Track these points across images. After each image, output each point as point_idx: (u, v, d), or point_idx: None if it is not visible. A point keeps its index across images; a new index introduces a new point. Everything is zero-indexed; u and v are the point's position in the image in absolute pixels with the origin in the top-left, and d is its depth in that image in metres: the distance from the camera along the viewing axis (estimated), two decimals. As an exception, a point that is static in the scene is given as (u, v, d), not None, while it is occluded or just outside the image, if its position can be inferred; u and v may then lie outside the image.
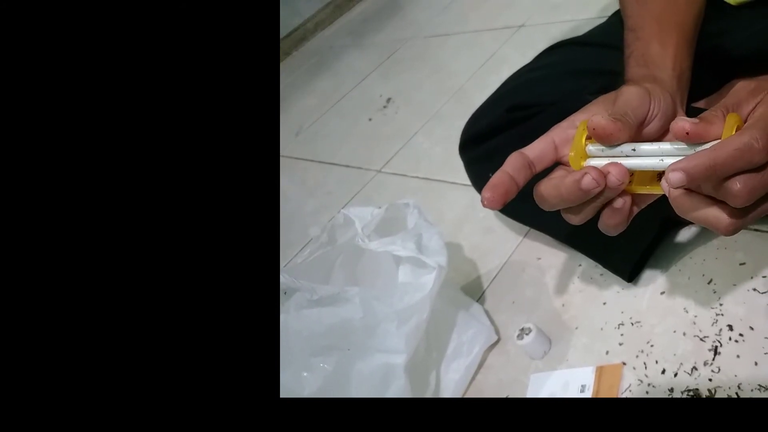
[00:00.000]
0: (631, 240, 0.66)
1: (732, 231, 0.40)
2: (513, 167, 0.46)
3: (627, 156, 0.45)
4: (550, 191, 0.45)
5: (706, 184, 0.39)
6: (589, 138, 0.46)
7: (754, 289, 0.60)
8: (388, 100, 1.54)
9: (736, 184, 0.37)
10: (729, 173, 0.38)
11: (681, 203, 0.42)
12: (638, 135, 0.46)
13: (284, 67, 2.28)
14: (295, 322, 0.65)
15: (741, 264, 0.63)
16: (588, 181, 0.43)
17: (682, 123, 0.40)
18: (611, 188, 0.44)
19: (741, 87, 0.41)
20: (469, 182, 0.86)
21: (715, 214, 0.40)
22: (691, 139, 0.41)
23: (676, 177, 0.38)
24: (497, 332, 0.72)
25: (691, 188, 0.41)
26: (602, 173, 0.44)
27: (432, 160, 1.18)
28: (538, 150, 0.48)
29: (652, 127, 0.47)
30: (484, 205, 0.44)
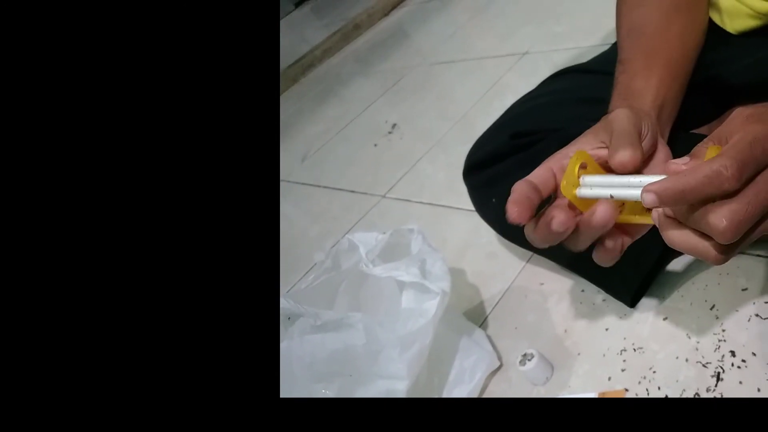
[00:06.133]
0: (633, 265, 0.66)
1: (722, 261, 0.40)
2: (526, 189, 0.47)
3: (618, 186, 0.45)
4: (530, 234, 0.47)
5: (686, 214, 0.40)
6: (582, 167, 0.47)
7: (757, 315, 0.60)
8: (394, 126, 1.55)
9: (723, 221, 0.37)
10: (699, 199, 0.38)
11: (670, 236, 0.42)
12: None
13: (292, 93, 2.31)
14: (299, 347, 0.65)
15: (743, 290, 0.63)
16: (557, 224, 0.45)
17: (675, 167, 0.41)
18: (596, 227, 0.45)
19: (736, 115, 0.41)
20: (472, 208, 0.87)
21: (705, 245, 0.40)
22: None
23: (649, 198, 0.39)
24: (499, 358, 0.72)
25: (677, 218, 0.41)
26: (570, 216, 0.45)
27: (436, 185, 1.19)
28: (539, 177, 0.49)
29: (644, 146, 0.48)
30: (511, 220, 0.45)
